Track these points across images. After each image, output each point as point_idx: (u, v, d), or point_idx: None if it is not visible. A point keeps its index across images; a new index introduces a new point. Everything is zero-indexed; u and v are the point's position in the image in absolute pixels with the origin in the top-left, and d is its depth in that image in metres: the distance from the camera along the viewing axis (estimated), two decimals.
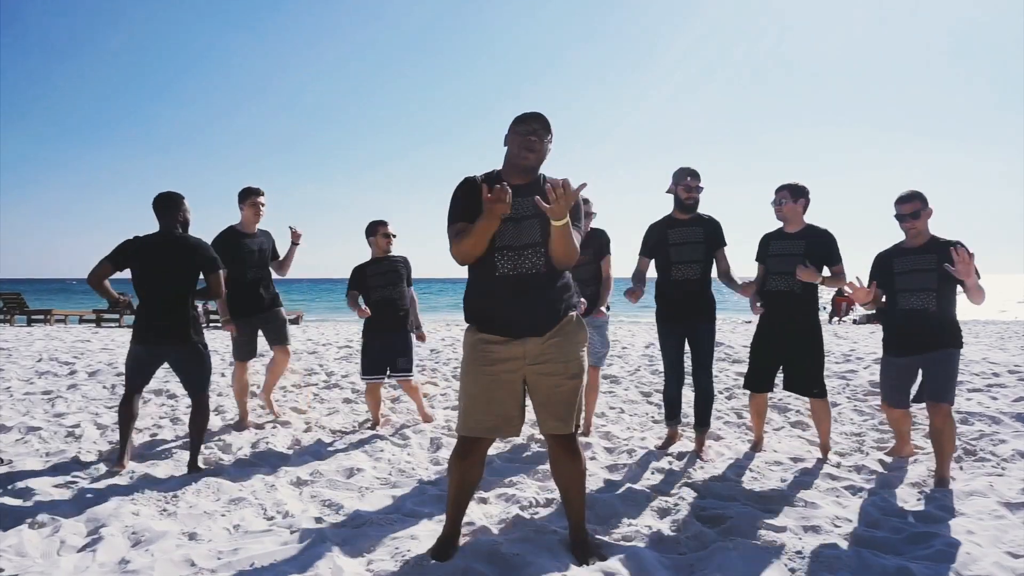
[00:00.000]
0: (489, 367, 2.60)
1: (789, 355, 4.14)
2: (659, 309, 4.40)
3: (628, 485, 3.57)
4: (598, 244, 4.69)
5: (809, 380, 4.09)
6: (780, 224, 4.25)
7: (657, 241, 4.35)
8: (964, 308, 3.84)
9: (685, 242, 4.26)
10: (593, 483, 3.66)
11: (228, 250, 4.85)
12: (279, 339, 5.12)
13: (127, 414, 3.96)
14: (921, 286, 3.74)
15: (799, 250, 4.07)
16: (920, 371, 3.85)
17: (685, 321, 4.28)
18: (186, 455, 4.15)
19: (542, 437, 3.74)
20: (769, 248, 4.24)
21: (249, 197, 5.03)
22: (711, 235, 4.27)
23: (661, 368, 7.99)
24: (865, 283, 3.77)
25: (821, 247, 4.06)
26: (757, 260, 4.34)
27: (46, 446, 4.48)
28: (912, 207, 3.78)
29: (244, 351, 5.02)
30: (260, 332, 5.11)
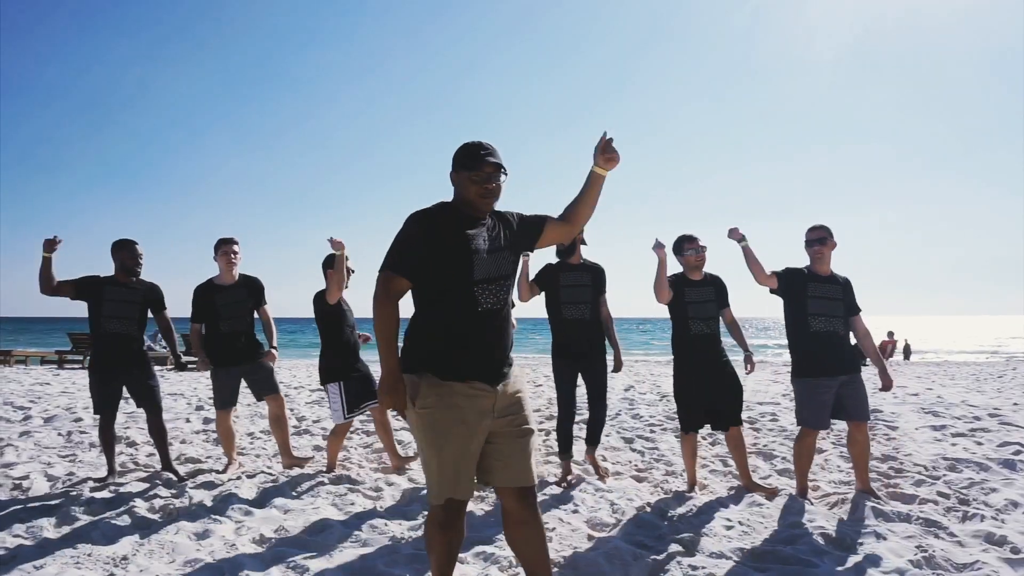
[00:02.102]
0: (467, 415, 2.31)
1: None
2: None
3: (613, 542, 3.38)
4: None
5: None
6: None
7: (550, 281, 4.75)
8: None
9: (576, 284, 4.70)
10: (576, 539, 3.47)
11: (202, 303, 4.92)
12: (267, 389, 5.02)
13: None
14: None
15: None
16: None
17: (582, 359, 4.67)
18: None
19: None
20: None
21: (220, 247, 4.99)
22: (597, 280, 4.75)
23: (642, 412, 7.89)
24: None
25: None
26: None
27: None
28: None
29: (223, 399, 4.96)
30: (245, 383, 5.06)
